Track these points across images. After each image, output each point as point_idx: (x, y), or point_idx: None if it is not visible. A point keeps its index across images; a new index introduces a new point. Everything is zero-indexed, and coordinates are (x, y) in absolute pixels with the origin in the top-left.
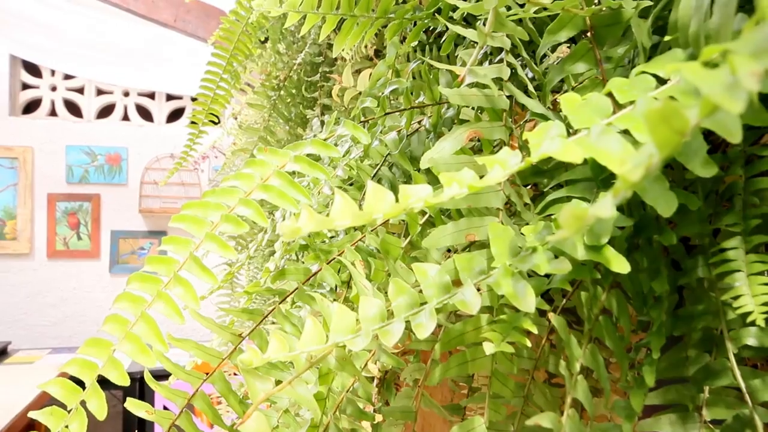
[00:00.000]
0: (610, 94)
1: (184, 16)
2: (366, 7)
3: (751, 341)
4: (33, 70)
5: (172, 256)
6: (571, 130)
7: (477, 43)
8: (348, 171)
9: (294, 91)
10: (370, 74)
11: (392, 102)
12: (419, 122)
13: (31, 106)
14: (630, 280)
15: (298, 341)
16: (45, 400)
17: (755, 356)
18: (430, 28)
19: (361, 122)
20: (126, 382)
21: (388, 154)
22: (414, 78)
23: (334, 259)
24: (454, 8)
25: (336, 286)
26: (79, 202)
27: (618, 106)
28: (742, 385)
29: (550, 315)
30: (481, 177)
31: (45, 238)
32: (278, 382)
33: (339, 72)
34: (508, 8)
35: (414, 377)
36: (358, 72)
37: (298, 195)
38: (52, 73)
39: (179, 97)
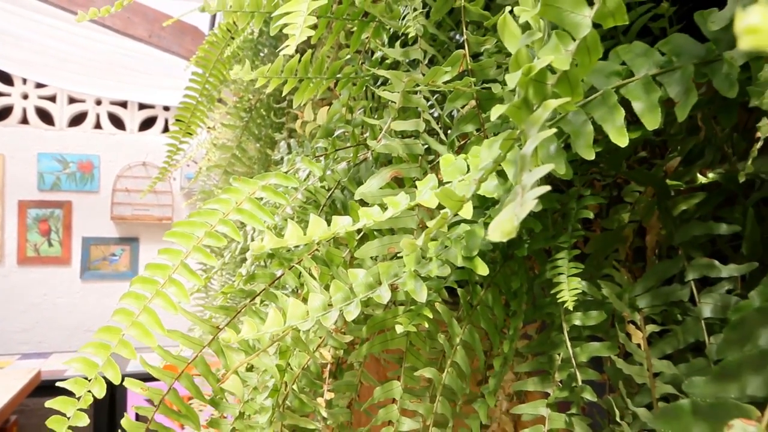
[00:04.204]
0: (465, 160)
1: (159, 32)
2: (319, 70)
3: (577, 322)
4: (4, 77)
5: (166, 263)
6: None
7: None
8: (307, 194)
9: (264, 113)
10: (329, 109)
11: (346, 134)
12: (366, 153)
13: (2, 114)
14: (503, 280)
15: (263, 325)
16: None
17: (591, 332)
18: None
19: (316, 157)
20: (118, 380)
21: (341, 179)
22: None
23: (294, 266)
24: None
25: (297, 288)
26: (51, 209)
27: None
28: (570, 352)
29: (437, 304)
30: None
31: (15, 244)
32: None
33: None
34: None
35: (358, 360)
36: (322, 100)
37: (264, 216)
38: (24, 81)
39: (151, 106)
